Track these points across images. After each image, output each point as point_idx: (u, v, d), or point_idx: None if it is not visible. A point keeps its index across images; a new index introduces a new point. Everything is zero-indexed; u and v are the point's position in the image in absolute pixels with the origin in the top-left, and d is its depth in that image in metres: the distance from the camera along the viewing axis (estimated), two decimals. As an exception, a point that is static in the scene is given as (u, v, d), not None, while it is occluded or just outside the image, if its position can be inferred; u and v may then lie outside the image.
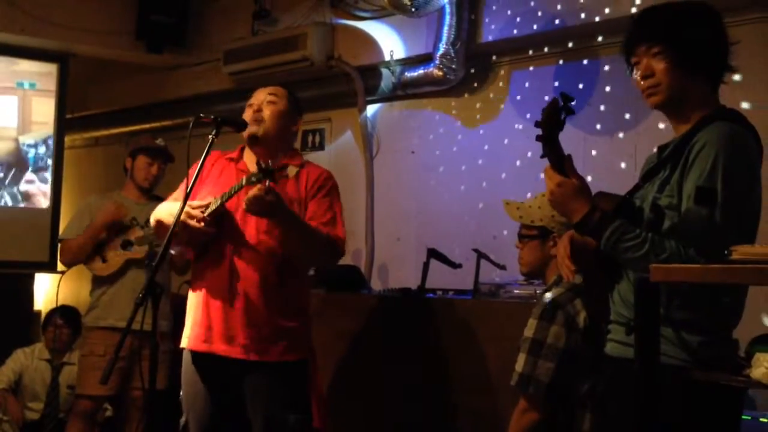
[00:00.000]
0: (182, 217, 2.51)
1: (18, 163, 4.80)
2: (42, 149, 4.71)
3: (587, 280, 1.98)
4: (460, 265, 3.64)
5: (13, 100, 4.78)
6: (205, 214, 2.56)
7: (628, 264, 1.84)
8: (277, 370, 2.61)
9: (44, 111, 4.91)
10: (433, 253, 3.62)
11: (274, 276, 2.61)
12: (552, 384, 2.31)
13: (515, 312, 2.95)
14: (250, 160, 2.74)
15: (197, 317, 2.66)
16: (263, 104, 2.71)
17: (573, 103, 1.83)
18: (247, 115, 2.71)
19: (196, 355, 2.66)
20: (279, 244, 2.60)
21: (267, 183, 2.35)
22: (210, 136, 2.58)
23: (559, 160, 1.87)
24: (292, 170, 2.53)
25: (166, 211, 2.69)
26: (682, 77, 1.88)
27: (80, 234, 3.73)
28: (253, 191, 2.39)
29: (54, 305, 4.35)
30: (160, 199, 3.82)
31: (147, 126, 5.72)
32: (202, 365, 2.66)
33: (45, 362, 4.42)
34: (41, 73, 5.02)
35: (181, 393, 2.75)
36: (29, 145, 4.76)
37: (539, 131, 1.86)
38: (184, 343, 2.70)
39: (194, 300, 2.69)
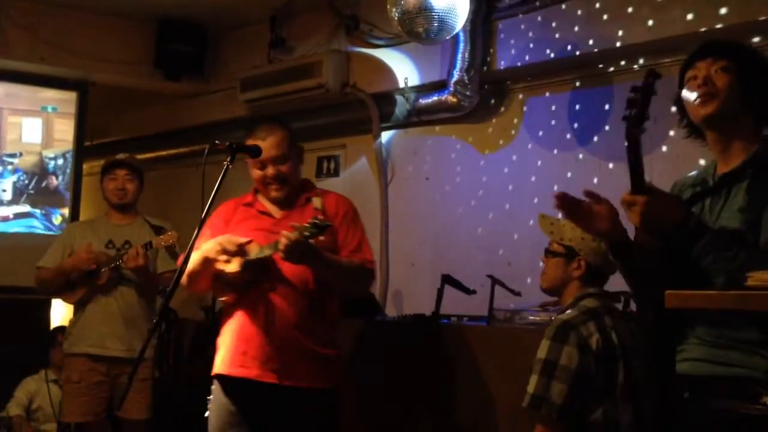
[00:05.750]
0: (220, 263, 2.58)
1: (40, 172, 5.37)
2: (60, 161, 5.44)
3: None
4: (474, 291, 3.62)
5: (38, 121, 5.39)
6: (249, 258, 2.60)
7: (720, 274, 1.74)
8: (307, 396, 2.65)
9: (64, 129, 5.48)
10: (447, 279, 3.61)
11: (307, 305, 2.67)
12: (564, 406, 2.28)
13: (530, 338, 2.92)
14: (265, 201, 2.82)
15: (232, 344, 2.70)
16: (277, 164, 2.73)
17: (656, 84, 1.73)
18: (260, 176, 2.75)
19: (229, 380, 2.70)
20: (313, 276, 2.67)
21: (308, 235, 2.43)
22: (225, 163, 2.61)
23: (640, 171, 1.76)
24: (317, 201, 2.65)
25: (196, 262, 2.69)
26: (740, 97, 1.87)
27: (56, 263, 3.70)
28: (292, 242, 2.44)
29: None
30: (151, 224, 3.76)
31: (164, 153, 5.78)
32: (235, 391, 2.69)
33: (54, 383, 4.44)
34: (62, 99, 5.44)
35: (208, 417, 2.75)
36: (50, 158, 5.41)
37: (632, 118, 1.72)
38: (219, 369, 2.73)
39: (229, 328, 2.74)
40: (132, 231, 3.73)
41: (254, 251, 2.60)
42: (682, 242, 1.76)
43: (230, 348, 2.70)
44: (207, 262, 2.62)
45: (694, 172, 2.06)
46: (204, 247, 2.65)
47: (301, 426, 2.65)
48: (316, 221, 2.41)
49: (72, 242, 3.74)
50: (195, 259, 2.62)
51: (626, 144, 1.76)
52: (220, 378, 2.72)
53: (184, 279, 2.63)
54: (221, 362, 2.72)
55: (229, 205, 2.86)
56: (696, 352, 1.84)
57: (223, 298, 2.77)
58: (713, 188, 1.91)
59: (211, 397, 2.75)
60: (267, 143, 2.73)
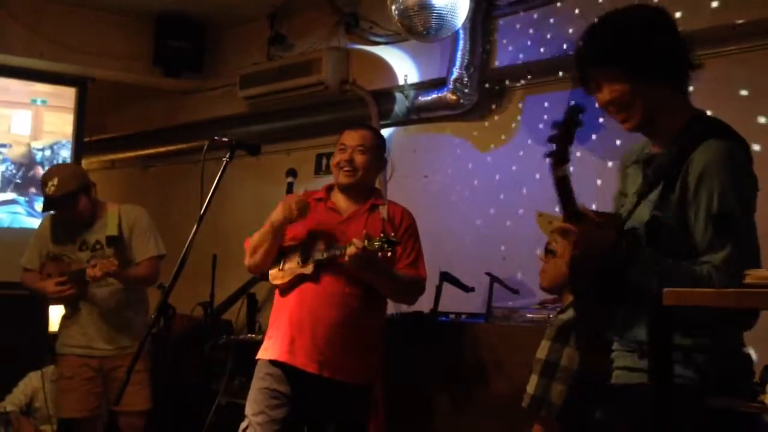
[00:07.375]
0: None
1: (28, 163, 5.44)
2: (48, 152, 5.51)
3: (584, 309, 1.90)
4: (472, 289, 3.63)
5: (28, 113, 5.46)
6: (318, 258, 2.73)
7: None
8: (343, 391, 2.75)
9: (53, 122, 5.53)
10: (445, 277, 3.61)
11: (358, 306, 2.77)
12: (564, 407, 2.29)
13: (529, 336, 2.92)
14: (337, 198, 2.92)
15: (283, 331, 2.80)
16: (355, 152, 2.86)
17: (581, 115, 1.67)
18: (338, 159, 2.87)
19: (275, 364, 2.79)
20: (366, 281, 2.76)
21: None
22: (224, 159, 2.63)
23: (571, 204, 1.71)
24: (383, 210, 2.82)
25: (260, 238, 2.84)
26: (650, 92, 1.78)
27: (34, 264, 3.67)
28: (361, 251, 2.55)
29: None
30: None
31: (163, 149, 5.78)
32: (280, 375, 2.78)
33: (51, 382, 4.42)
34: (52, 93, 5.48)
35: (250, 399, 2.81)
36: (38, 149, 5.49)
37: (553, 158, 1.68)
38: (266, 354, 2.82)
39: (281, 314, 2.83)
40: (102, 229, 3.63)
41: (321, 248, 2.72)
42: (618, 265, 1.72)
43: (280, 335, 2.80)
44: (274, 230, 2.74)
45: (640, 142, 1.96)
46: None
47: (334, 416, 2.79)
48: (389, 238, 2.53)
49: (47, 243, 3.68)
50: (260, 231, 2.78)
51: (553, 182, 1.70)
52: (265, 362, 2.81)
53: (247, 257, 2.84)
54: (270, 348, 2.81)
55: (300, 195, 2.96)
56: (623, 360, 1.81)
57: (277, 282, 2.85)
58: (645, 173, 1.84)
59: (255, 377, 2.83)
60: (356, 133, 2.90)
